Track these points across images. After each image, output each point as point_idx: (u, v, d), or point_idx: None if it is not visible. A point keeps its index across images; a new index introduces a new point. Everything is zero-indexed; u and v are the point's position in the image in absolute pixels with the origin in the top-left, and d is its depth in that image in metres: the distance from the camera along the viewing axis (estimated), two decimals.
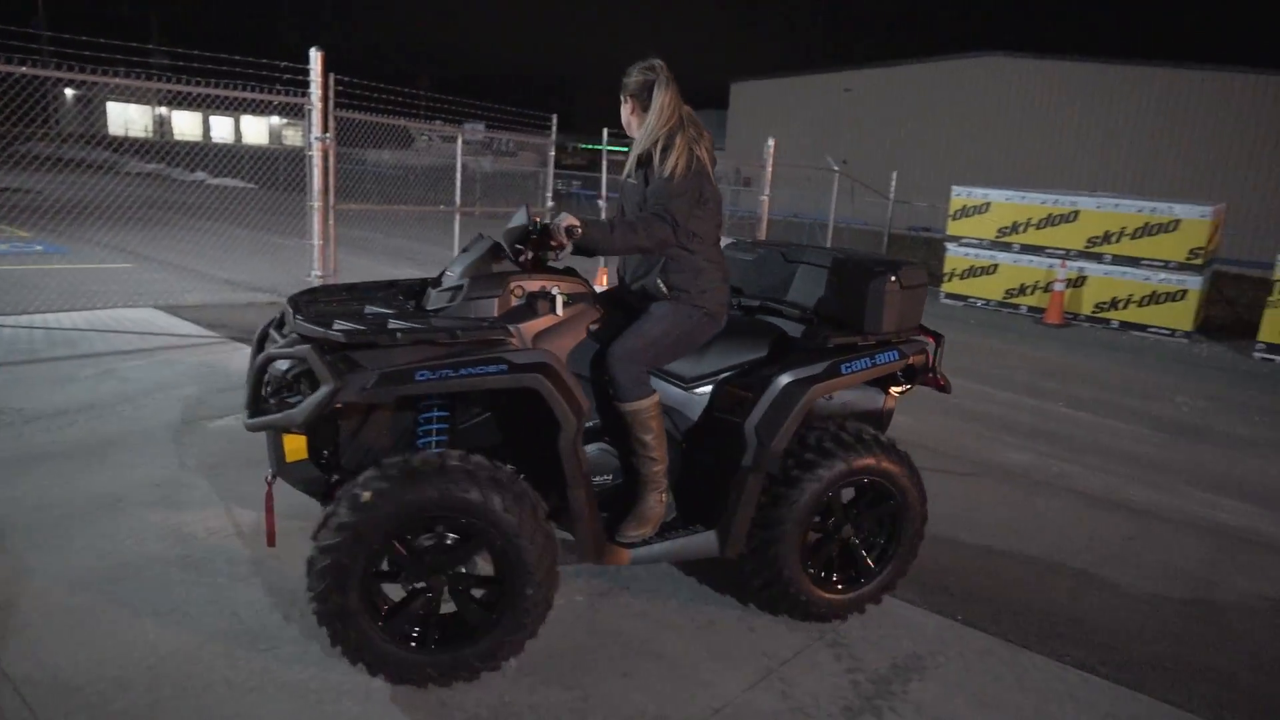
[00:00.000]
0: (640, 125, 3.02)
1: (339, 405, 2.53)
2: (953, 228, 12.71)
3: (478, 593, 2.72)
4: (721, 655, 3.03)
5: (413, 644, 2.64)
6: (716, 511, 3.04)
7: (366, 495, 2.46)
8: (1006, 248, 12.20)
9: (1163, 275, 11.11)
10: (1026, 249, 12.02)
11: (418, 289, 3.14)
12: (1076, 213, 11.63)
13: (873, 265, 3.21)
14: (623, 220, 2.92)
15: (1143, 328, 11.31)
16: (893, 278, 3.14)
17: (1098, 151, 27.37)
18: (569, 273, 3.02)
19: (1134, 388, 8.30)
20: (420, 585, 2.63)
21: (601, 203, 10.80)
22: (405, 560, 2.60)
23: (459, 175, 9.87)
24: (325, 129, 7.55)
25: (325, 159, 7.93)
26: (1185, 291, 11.04)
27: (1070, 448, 6.03)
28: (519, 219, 2.90)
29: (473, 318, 2.74)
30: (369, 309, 2.82)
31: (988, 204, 12.35)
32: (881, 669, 3.03)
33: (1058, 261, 11.67)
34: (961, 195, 12.66)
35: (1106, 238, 11.40)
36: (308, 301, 2.92)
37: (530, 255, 2.91)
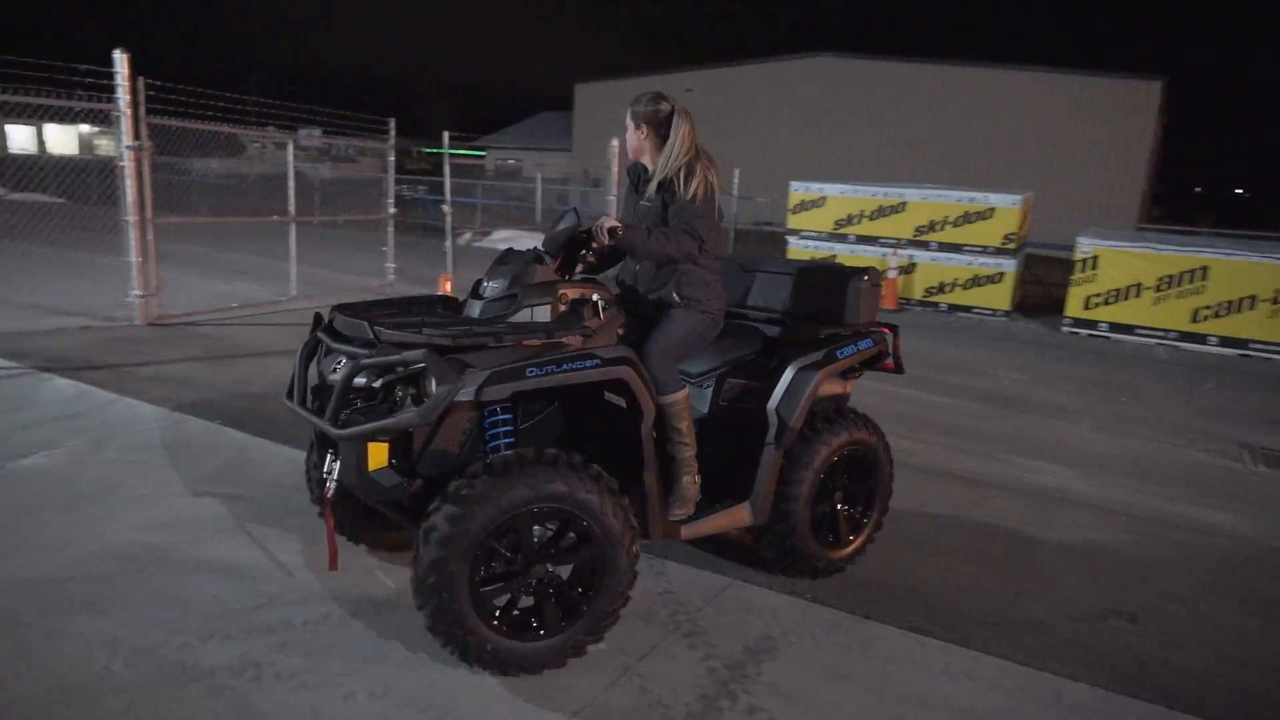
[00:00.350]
0: (653, 151, 3.37)
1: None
2: (793, 221, 13.22)
3: (575, 574, 2.92)
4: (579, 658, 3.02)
5: (525, 634, 2.84)
6: (745, 486, 3.43)
7: (474, 493, 2.66)
8: (843, 239, 12.81)
9: (982, 260, 11.96)
10: (862, 239, 12.65)
11: (449, 301, 3.35)
12: (904, 204, 12.34)
13: (844, 270, 3.77)
14: (658, 229, 3.19)
15: (968, 309, 12.13)
16: (865, 278, 3.71)
17: (922, 146, 29.18)
18: (593, 281, 3.25)
19: (961, 365, 8.88)
20: (526, 576, 2.82)
21: (446, 208, 10.57)
22: (510, 553, 2.79)
23: (291, 184, 9.42)
24: (137, 136, 7.04)
25: (139, 169, 7.39)
26: (1003, 274, 11.92)
27: (904, 424, 6.38)
28: (569, 221, 3.20)
29: (531, 322, 2.97)
30: (429, 319, 2.96)
31: (824, 198, 12.92)
32: (736, 653, 3.10)
33: (890, 250, 12.35)
34: (799, 190, 13.19)
35: (932, 226, 12.16)
36: (363, 316, 2.96)
37: (562, 257, 3.20)
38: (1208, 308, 10.39)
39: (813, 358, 3.51)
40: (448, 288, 5.53)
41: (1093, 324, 11.04)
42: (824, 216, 12.91)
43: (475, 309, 3.09)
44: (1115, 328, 10.90)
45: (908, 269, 12.36)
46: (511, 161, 35.03)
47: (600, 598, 2.89)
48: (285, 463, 4.69)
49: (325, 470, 2.99)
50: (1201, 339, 10.45)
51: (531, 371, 2.78)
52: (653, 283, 3.37)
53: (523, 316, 2.99)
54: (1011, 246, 11.80)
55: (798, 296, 3.80)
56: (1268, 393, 8.45)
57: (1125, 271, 10.76)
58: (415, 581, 2.70)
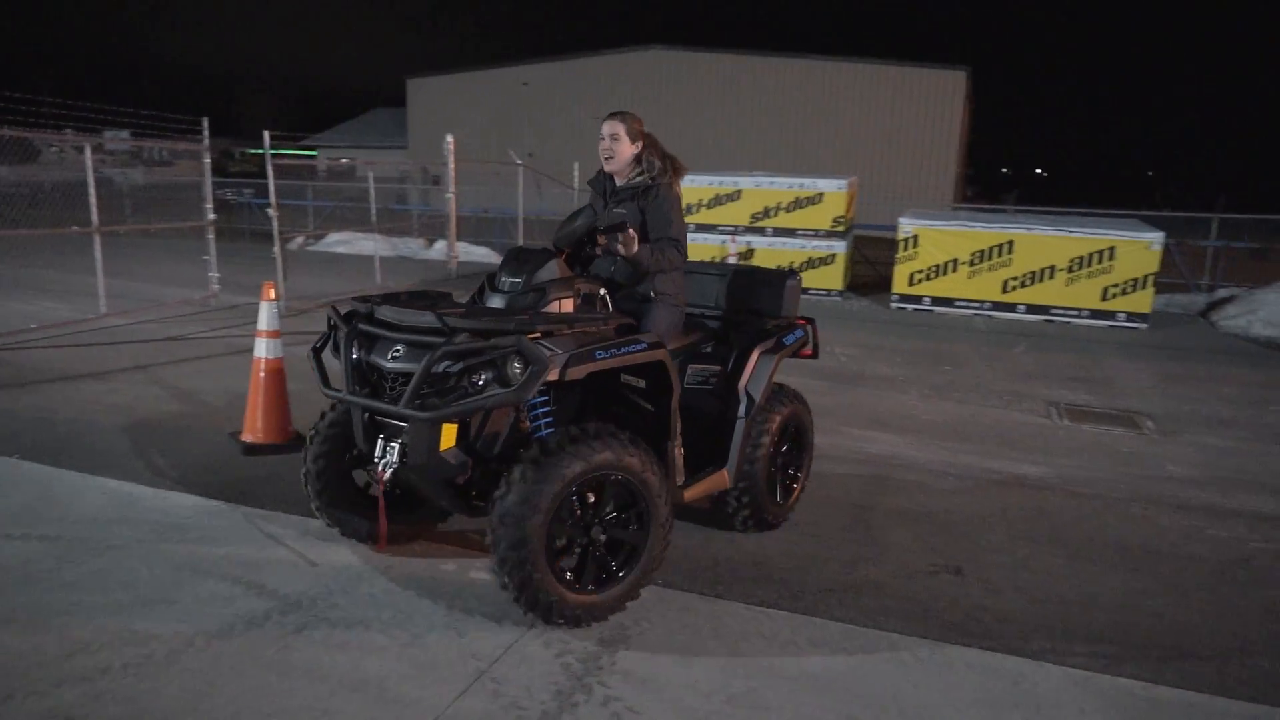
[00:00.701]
0: (630, 162, 3.79)
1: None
2: None
3: (626, 528, 3.27)
4: (429, 668, 2.93)
5: (592, 588, 3.19)
6: (721, 454, 3.88)
7: (573, 472, 3.00)
8: None
9: (815, 243, 12.49)
10: (701, 227, 12.94)
11: (443, 296, 3.53)
12: (739, 192, 12.72)
13: (777, 272, 4.33)
14: (655, 243, 3.66)
15: (804, 290, 12.64)
16: (797, 278, 4.28)
17: (754, 134, 30.17)
18: (597, 278, 3.66)
19: None
20: (592, 533, 3.18)
21: (272, 212, 10.02)
22: (574, 518, 3.13)
23: (93, 191, 8.67)
24: None
25: None
26: (834, 255, 12.50)
27: None
28: (585, 219, 3.56)
29: (557, 313, 3.26)
30: (485, 310, 3.23)
31: None
32: (590, 646, 3.10)
33: (728, 237, 12.69)
34: None
35: (766, 213, 12.58)
36: (419, 307, 3.20)
37: (567, 253, 3.58)
38: (1015, 279, 11.28)
39: (770, 344, 4.03)
40: (271, 295, 5.23)
41: (917, 299, 11.76)
42: None
43: (497, 300, 3.33)
44: (937, 301, 11.66)
45: (746, 255, 12.75)
46: (344, 161, 33.65)
47: (649, 545, 3.28)
48: (99, 496, 4.32)
49: (377, 456, 3.23)
50: (1011, 307, 11.33)
51: (599, 354, 3.11)
52: (631, 279, 3.73)
53: (551, 308, 3.28)
54: (841, 229, 12.38)
55: (736, 294, 4.29)
56: (1069, 354, 9.26)
57: (942, 248, 11.51)
58: (499, 560, 3.01)
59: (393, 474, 3.20)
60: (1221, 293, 12.64)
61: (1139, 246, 10.72)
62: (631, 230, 3.50)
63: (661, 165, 3.77)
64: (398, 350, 3.12)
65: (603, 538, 3.21)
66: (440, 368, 2.99)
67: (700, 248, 12.95)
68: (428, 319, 3.03)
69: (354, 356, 3.25)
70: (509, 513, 2.95)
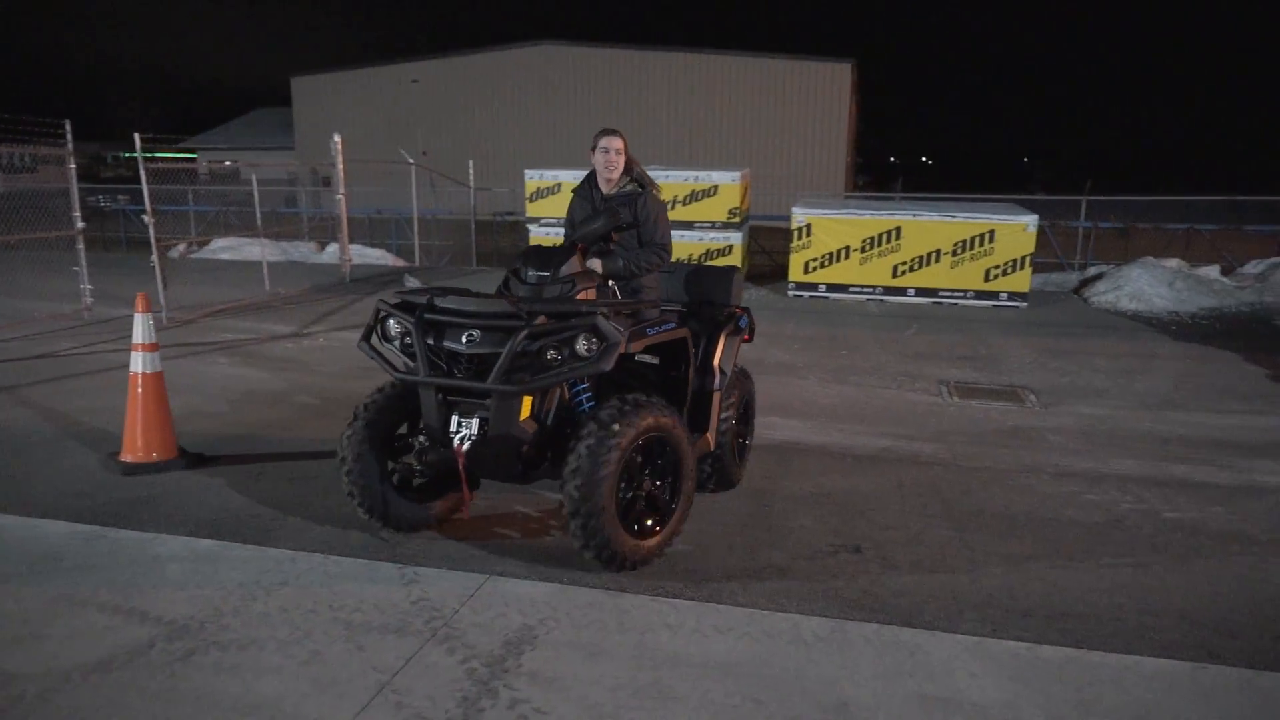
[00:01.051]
0: (618, 176, 4.21)
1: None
2: (531, 209, 13.26)
3: (666, 479, 3.76)
4: (329, 685, 2.84)
5: (646, 533, 3.65)
6: (703, 423, 4.26)
7: (617, 427, 3.40)
8: None
9: (712, 234, 12.65)
10: None
11: (460, 290, 3.73)
12: None
13: (725, 268, 4.82)
14: (647, 245, 4.17)
15: None
16: (740, 272, 4.88)
17: (650, 128, 30.33)
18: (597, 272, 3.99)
19: None
20: (645, 486, 3.65)
21: (148, 219, 9.51)
22: (639, 468, 3.62)
23: None
24: None
25: None
26: (731, 246, 12.69)
27: None
28: (605, 222, 3.88)
29: (615, 300, 3.91)
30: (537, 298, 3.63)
31: (559, 184, 13.06)
32: (495, 650, 3.06)
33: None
34: (534, 178, 13.24)
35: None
36: (484, 295, 3.61)
37: (581, 248, 3.90)
38: (904, 264, 11.68)
39: (731, 328, 4.47)
40: (147, 306, 4.98)
41: (813, 286, 12.04)
42: (561, 202, 13.03)
43: (525, 292, 3.70)
44: (832, 288, 11.97)
45: None
46: (227, 163, 32.24)
47: (685, 490, 3.78)
48: None
49: (454, 430, 3.54)
50: (902, 291, 11.73)
51: (650, 330, 3.76)
52: (618, 274, 4.11)
53: (582, 296, 3.67)
54: (736, 220, 12.57)
55: (693, 287, 4.75)
56: (956, 334, 9.65)
57: (835, 236, 11.83)
58: (579, 517, 3.39)
59: (469, 440, 3.50)
60: (1092, 270, 13.40)
61: (1016, 229, 11.25)
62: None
63: (649, 182, 4.27)
64: (472, 335, 3.46)
65: (654, 487, 3.69)
66: (519, 348, 3.35)
67: None
68: (504, 306, 3.43)
69: (429, 343, 3.52)
70: (585, 475, 3.34)
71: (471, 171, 16.17)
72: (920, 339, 9.34)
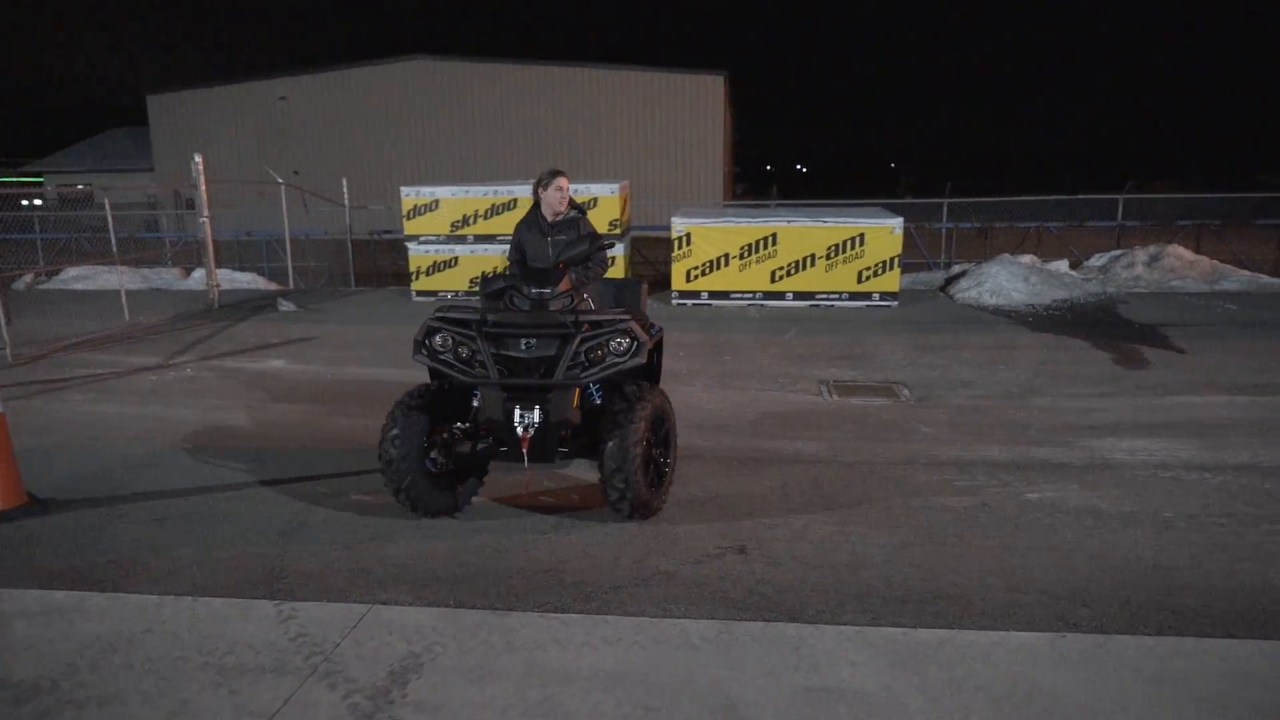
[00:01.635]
0: (560, 206, 4.98)
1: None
2: (409, 227, 12.99)
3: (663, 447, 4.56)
4: None
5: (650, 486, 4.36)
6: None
7: (648, 409, 4.26)
8: (462, 240, 12.85)
9: None
10: (480, 239, 12.79)
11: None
12: (515, 200, 12.67)
13: (633, 280, 5.77)
14: (596, 262, 4.93)
15: None
16: (645, 283, 5.67)
17: (526, 143, 30.25)
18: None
19: None
20: (654, 454, 4.40)
21: None
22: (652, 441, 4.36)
23: None
24: None
25: None
26: (614, 257, 12.74)
27: None
28: (582, 246, 4.47)
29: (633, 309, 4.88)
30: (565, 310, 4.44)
31: (437, 201, 12.84)
32: (379, 681, 2.97)
33: (509, 247, 12.62)
34: (411, 195, 12.97)
35: None
36: (515, 306, 4.44)
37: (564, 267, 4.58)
38: (781, 268, 12.02)
39: (654, 330, 4.88)
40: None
41: (696, 294, 12.24)
42: (440, 219, 12.84)
43: (528, 304, 4.40)
44: (714, 295, 12.19)
45: None
46: (80, 187, 30.31)
47: (672, 458, 4.67)
48: None
49: (517, 420, 4.15)
50: (781, 296, 12.06)
51: (654, 330, 4.71)
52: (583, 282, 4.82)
53: (580, 306, 4.47)
54: (617, 231, 12.66)
55: (609, 298, 5.31)
56: (834, 334, 9.99)
57: (714, 244, 12.06)
58: (620, 479, 4.14)
59: (533, 427, 4.13)
60: (955, 269, 14.13)
61: (884, 231, 11.75)
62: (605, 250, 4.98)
63: (585, 209, 5.22)
64: (530, 342, 4.17)
65: (655, 453, 4.40)
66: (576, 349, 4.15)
67: (481, 259, 12.82)
68: (553, 317, 4.22)
69: (493, 351, 4.18)
70: (621, 440, 4.10)
71: (346, 190, 15.72)
72: (800, 341, 9.62)
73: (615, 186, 12.70)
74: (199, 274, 14.29)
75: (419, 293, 13.05)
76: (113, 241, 11.56)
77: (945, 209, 15.81)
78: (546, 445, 4.23)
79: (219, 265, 12.97)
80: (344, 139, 31.24)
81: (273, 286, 14.98)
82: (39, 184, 34.62)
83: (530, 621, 3.38)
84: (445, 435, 4.33)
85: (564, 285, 4.52)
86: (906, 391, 7.28)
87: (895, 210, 12.87)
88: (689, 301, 12.27)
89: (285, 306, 12.11)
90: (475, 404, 4.45)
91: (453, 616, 3.41)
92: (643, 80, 30.31)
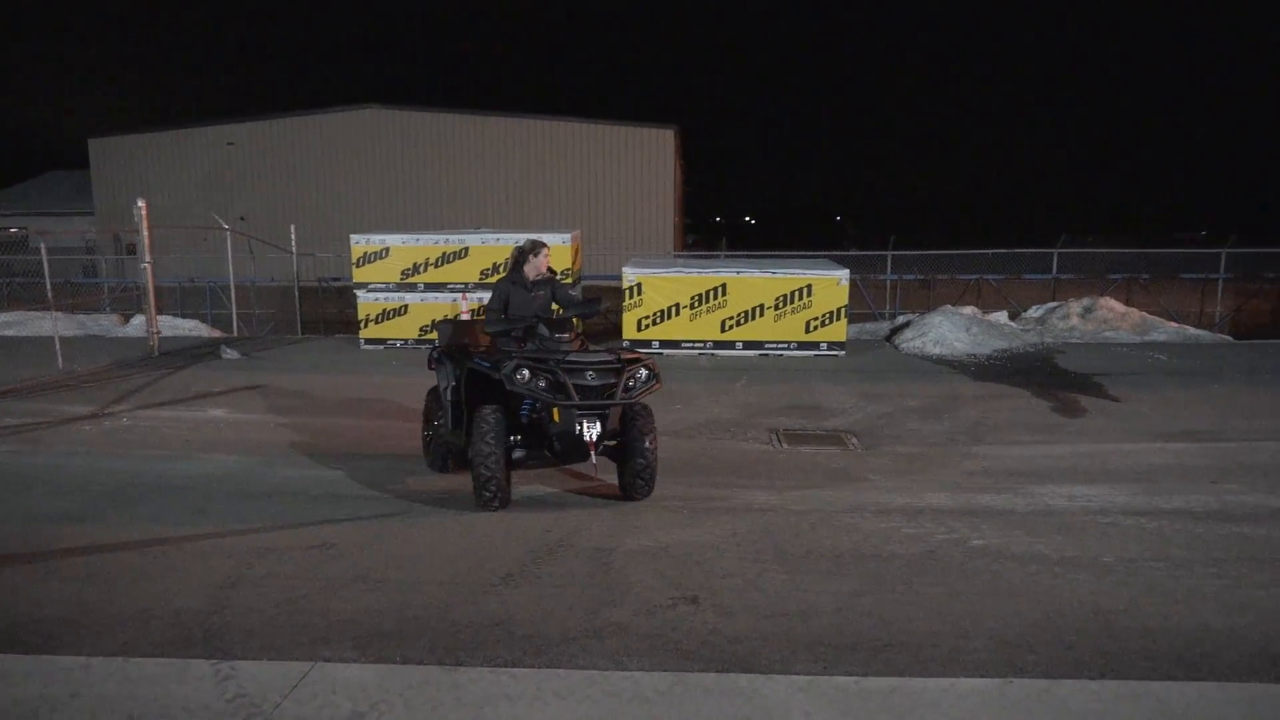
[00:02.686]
0: (544, 270, 6.09)
1: None
2: (358, 275, 12.89)
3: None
4: None
5: None
6: None
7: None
8: (412, 288, 12.78)
9: None
10: (430, 287, 12.74)
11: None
12: (466, 249, 12.69)
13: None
14: (571, 309, 6.03)
15: None
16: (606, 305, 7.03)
17: (479, 191, 30.37)
18: None
19: None
20: None
21: None
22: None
23: None
24: None
25: None
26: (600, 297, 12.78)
27: None
28: (592, 305, 6.30)
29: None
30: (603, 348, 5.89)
31: (387, 249, 12.79)
32: None
33: (459, 295, 12.60)
34: (361, 243, 12.90)
35: (495, 268, 12.64)
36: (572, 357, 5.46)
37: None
38: (731, 318, 12.17)
39: None
40: None
41: (646, 343, 12.31)
42: (390, 267, 12.78)
43: (551, 345, 5.56)
44: (665, 344, 12.28)
45: (479, 311, 12.70)
46: (14, 230, 29.48)
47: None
48: None
49: (586, 431, 5.30)
50: (731, 345, 12.20)
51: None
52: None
53: (577, 345, 5.65)
54: (568, 280, 12.71)
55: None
56: (783, 383, 10.11)
57: (664, 294, 12.19)
58: (650, 467, 5.57)
59: (598, 437, 5.32)
60: (900, 319, 14.46)
61: (830, 283, 12.00)
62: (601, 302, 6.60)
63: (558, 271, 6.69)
64: (592, 374, 5.34)
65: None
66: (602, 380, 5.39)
67: (432, 307, 12.75)
68: (606, 356, 5.47)
69: (574, 383, 5.30)
70: (652, 447, 5.57)
71: (294, 236, 15.57)
72: (750, 390, 9.72)
73: (567, 236, 12.80)
74: (138, 320, 13.95)
75: (367, 340, 12.91)
76: (48, 286, 11.24)
77: (889, 261, 16.23)
78: (598, 446, 5.36)
79: (160, 312, 12.69)
80: (293, 186, 31.01)
81: (216, 334, 14.68)
82: None
83: (479, 676, 3.31)
84: (523, 439, 5.58)
85: (577, 329, 5.85)
86: (855, 440, 7.38)
87: (841, 262, 13.18)
88: (640, 349, 12.32)
89: (229, 354, 11.86)
90: (522, 417, 5.63)
91: (399, 673, 3.33)
92: (594, 132, 30.75)
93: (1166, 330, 13.41)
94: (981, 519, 5.27)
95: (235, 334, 14.58)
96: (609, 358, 5.45)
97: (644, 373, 5.53)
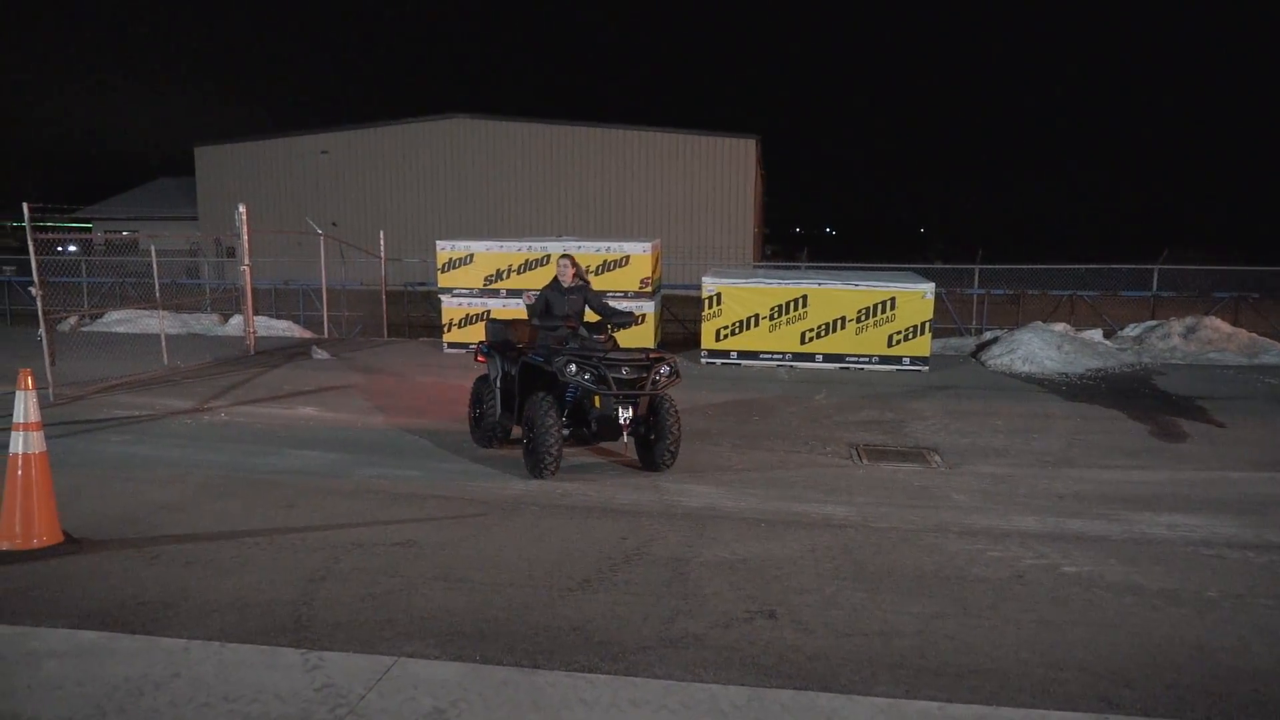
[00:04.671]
0: (567, 278, 7.11)
1: None
2: (443, 280, 13.18)
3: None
4: None
5: None
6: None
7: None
8: (495, 294, 13.01)
9: (625, 304, 12.76)
10: (512, 293, 12.93)
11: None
12: (548, 256, 12.85)
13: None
14: (606, 314, 7.05)
15: None
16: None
17: (560, 200, 30.78)
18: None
19: None
20: None
21: (35, 291, 9.08)
22: None
23: None
24: None
25: None
26: (645, 315, 12.82)
27: (565, 468, 6.57)
28: (629, 315, 7.20)
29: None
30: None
31: (471, 255, 13.05)
32: None
33: (538, 298, 12.75)
34: (446, 249, 13.20)
35: (575, 276, 12.77)
36: (615, 353, 6.51)
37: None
38: (811, 330, 12.02)
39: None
40: (29, 383, 4.72)
41: (725, 354, 12.25)
42: (474, 273, 13.03)
43: (590, 344, 6.50)
44: (743, 355, 12.20)
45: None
46: (125, 234, 31.17)
47: None
48: None
49: (622, 415, 6.25)
50: (810, 357, 12.04)
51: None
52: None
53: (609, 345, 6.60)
54: (648, 290, 12.76)
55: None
56: (864, 397, 9.93)
57: (744, 305, 12.11)
58: (677, 445, 6.52)
59: (630, 420, 6.29)
60: (987, 335, 14.05)
61: (915, 296, 11.74)
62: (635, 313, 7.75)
63: (585, 273, 7.42)
64: (628, 368, 6.29)
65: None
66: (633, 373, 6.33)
67: (515, 313, 12.94)
68: (639, 354, 6.49)
69: (613, 375, 6.22)
70: (677, 428, 6.48)
71: (383, 242, 16.03)
72: (829, 403, 9.57)
73: (647, 245, 12.84)
74: (236, 320, 14.56)
75: (450, 344, 13.18)
76: (156, 287, 11.84)
77: (977, 274, 15.79)
78: (630, 427, 6.34)
79: (256, 313, 13.21)
80: (382, 193, 32.00)
81: (308, 335, 15.22)
82: (87, 230, 35.64)
83: (556, 680, 3.33)
84: (566, 420, 6.47)
85: (611, 333, 6.80)
86: (938, 458, 7.19)
87: (926, 275, 12.88)
88: (718, 361, 12.27)
89: (319, 355, 12.27)
90: (567, 402, 6.49)
91: (479, 673, 3.38)
92: (676, 142, 30.85)
93: (1277, 353, 12.68)
94: (1073, 545, 5.07)
95: (325, 335, 15.08)
96: (640, 355, 6.47)
97: (667, 368, 6.48)
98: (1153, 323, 14.24)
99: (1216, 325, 13.37)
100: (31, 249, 9.03)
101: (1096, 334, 13.78)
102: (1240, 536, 5.24)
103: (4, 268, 22.96)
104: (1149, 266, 16.05)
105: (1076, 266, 16.79)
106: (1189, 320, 13.62)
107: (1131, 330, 14.28)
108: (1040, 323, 13.46)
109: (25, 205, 9.03)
